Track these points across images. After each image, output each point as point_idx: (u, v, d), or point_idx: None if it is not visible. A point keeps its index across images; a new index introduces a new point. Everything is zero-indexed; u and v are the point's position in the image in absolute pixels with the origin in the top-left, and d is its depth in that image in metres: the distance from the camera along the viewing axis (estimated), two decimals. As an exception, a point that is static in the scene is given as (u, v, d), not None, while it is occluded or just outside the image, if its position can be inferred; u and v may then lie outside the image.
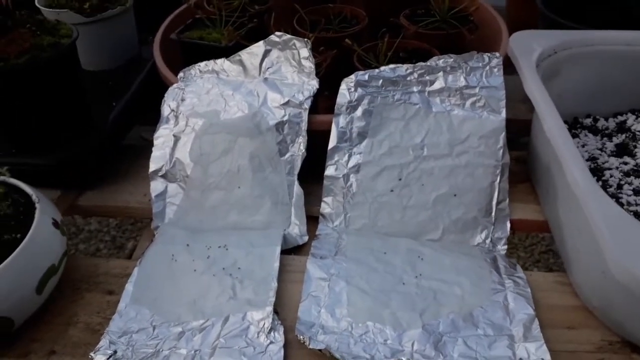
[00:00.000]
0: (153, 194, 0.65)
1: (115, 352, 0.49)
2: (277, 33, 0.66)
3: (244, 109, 0.64)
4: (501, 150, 0.62)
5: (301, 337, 0.48)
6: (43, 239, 0.51)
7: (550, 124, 0.53)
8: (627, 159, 0.62)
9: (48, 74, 0.61)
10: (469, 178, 0.62)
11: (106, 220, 1.57)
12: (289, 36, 0.65)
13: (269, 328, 0.50)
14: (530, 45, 0.65)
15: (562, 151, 0.50)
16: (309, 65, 0.64)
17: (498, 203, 0.62)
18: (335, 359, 0.47)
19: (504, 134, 0.62)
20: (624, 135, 0.66)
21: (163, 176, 0.65)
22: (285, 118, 0.63)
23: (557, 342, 0.48)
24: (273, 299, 0.52)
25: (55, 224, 0.53)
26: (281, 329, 0.50)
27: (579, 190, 0.46)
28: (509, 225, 0.62)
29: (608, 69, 0.69)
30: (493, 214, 0.62)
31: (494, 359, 0.46)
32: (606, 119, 0.71)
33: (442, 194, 0.62)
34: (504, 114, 0.63)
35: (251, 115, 0.63)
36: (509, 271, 0.56)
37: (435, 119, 0.63)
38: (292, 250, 0.61)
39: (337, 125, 0.63)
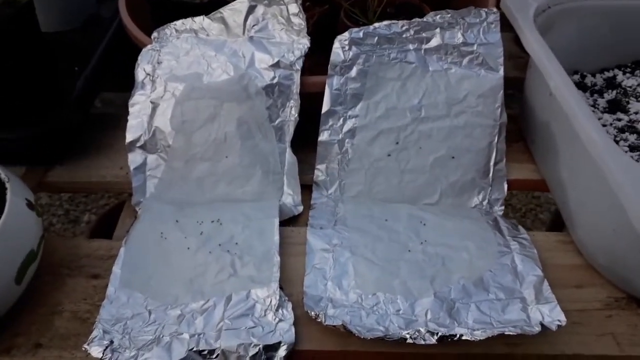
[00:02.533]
0: (131, 167, 0.60)
1: (111, 341, 0.45)
2: (263, -13, 0.60)
3: (229, 71, 0.59)
4: (499, 110, 0.60)
5: (313, 313, 0.46)
6: (18, 222, 0.45)
7: (557, 81, 0.52)
8: (620, 115, 0.62)
9: (5, 36, 0.54)
10: (467, 139, 0.60)
11: (57, 194, 1.48)
12: (275, -10, 0.60)
13: (277, 305, 0.47)
14: (525, 0, 0.63)
15: (574, 109, 0.48)
16: (298, 22, 0.60)
17: (495, 164, 0.61)
18: (349, 333, 0.45)
19: (501, 92, 0.61)
20: (614, 92, 0.66)
21: (142, 147, 0.60)
22: (275, 80, 0.58)
23: (566, 302, 0.48)
24: (278, 275, 0.49)
25: (30, 204, 0.48)
26: (289, 306, 0.47)
27: (595, 149, 0.44)
28: (506, 186, 0.61)
29: (596, 24, 0.68)
30: (490, 175, 0.60)
31: (509, 323, 0.45)
32: (593, 75, 0.70)
33: (440, 157, 0.60)
34: (501, 72, 0.61)
35: (238, 77, 0.58)
36: (512, 232, 0.55)
37: (432, 78, 0.60)
38: (287, 222, 0.58)
39: (331, 86, 0.59)
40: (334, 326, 0.45)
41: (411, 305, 0.47)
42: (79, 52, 0.70)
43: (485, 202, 0.60)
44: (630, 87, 0.66)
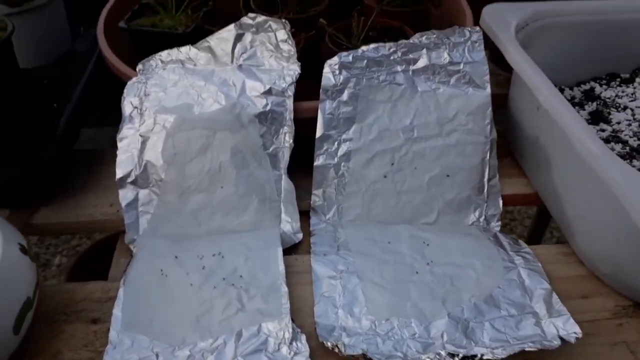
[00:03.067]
0: (123, 204, 0.58)
1: (119, 390, 0.43)
2: (250, 15, 0.60)
3: (221, 100, 0.58)
4: (489, 126, 0.62)
5: (329, 344, 0.45)
6: (13, 269, 0.43)
7: (547, 95, 0.53)
8: (603, 125, 0.64)
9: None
10: (460, 157, 0.61)
11: (42, 236, 1.41)
12: (263, 17, 0.60)
13: (290, 338, 0.46)
14: (505, 18, 0.64)
15: (567, 122, 0.49)
16: (287, 48, 0.60)
17: (489, 180, 0.61)
18: (368, 361, 0.44)
19: (490, 109, 0.62)
20: (594, 103, 0.68)
21: (133, 182, 0.58)
22: (268, 108, 0.58)
23: (575, 313, 0.48)
24: (288, 306, 0.48)
25: (23, 249, 0.45)
26: (303, 338, 0.46)
27: (594, 159, 0.45)
28: (501, 201, 0.61)
29: (572, 39, 0.71)
30: (485, 191, 0.61)
31: (526, 339, 0.45)
32: (571, 89, 0.72)
33: (435, 176, 0.60)
34: (488, 89, 0.62)
35: (230, 106, 0.58)
36: (514, 247, 0.56)
37: (421, 99, 0.61)
38: (289, 250, 0.57)
39: (324, 111, 0.59)
40: (353, 356, 0.44)
41: (426, 328, 0.47)
42: (56, 88, 0.68)
43: (482, 219, 0.61)
44: (609, 98, 0.68)
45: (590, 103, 0.68)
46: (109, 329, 0.47)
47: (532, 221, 1.21)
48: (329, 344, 0.45)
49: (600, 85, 0.72)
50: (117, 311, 0.49)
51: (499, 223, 0.61)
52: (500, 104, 0.69)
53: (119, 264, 0.56)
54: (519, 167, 0.66)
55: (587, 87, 0.72)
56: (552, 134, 0.56)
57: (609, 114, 0.66)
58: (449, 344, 0.45)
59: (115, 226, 0.59)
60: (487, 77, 0.62)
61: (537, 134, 0.60)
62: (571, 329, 0.45)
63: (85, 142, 0.72)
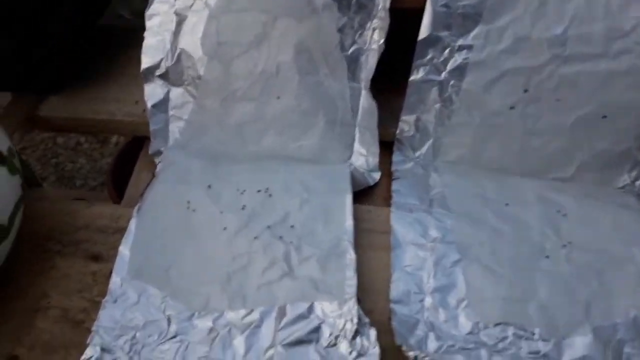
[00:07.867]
0: (149, 103, 0.44)
1: (111, 367, 0.31)
2: None
3: (289, -28, 0.41)
4: (682, 49, 0.41)
5: (411, 353, 0.30)
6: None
7: None
8: None
9: None
10: (630, 92, 0.41)
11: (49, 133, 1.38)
12: None
13: (353, 330, 0.32)
14: None
15: None
16: None
17: (664, 128, 0.42)
18: (464, 385, 0.29)
19: (690, 23, 0.41)
20: None
21: (162, 76, 0.44)
22: (355, -12, 0.40)
23: None
24: (354, 282, 0.33)
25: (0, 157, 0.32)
26: (372, 333, 0.32)
27: None
28: (673, 161, 0.43)
29: None
30: (654, 144, 0.42)
31: None
32: None
33: (587, 114, 0.42)
34: (695, -9, 0.41)
35: (300, -18, 0.40)
36: (693, 235, 0.38)
37: (586, -3, 0.41)
38: (359, 196, 0.42)
39: (435, 1, 0.40)
40: (446, 380, 0.29)
41: (557, 345, 0.32)
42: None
43: (638, 182, 0.43)
44: None
45: None
46: (111, 272, 0.35)
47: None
48: (411, 354, 0.30)
49: None
50: (124, 249, 0.36)
51: (663, 192, 0.42)
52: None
53: (139, 181, 0.44)
54: None
55: None
56: None
57: None
58: (591, 377, 0.30)
59: (140, 130, 0.46)
60: (697, -29, 0.40)
61: None
62: None
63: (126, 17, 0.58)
